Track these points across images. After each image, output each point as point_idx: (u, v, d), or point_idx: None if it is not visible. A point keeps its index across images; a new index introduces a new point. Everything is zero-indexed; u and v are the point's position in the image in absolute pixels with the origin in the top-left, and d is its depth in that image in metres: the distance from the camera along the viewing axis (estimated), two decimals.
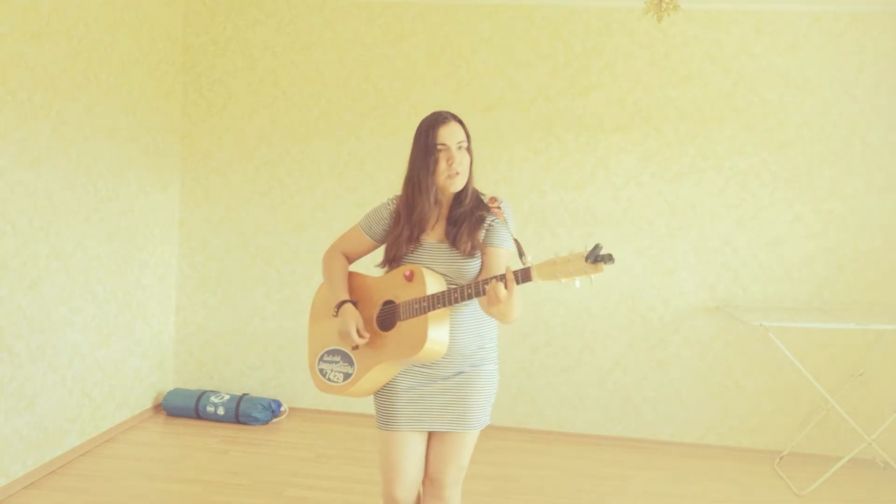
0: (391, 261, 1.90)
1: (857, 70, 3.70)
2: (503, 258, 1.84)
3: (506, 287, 1.62)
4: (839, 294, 3.73)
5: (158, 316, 4.01)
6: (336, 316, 1.90)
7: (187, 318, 4.18)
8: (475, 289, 1.68)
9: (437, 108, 3.93)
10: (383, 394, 1.92)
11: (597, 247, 1.50)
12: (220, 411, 3.87)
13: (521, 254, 1.70)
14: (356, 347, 1.88)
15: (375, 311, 1.90)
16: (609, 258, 1.51)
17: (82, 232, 3.26)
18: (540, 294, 3.92)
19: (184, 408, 3.91)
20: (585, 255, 1.52)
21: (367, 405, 3.81)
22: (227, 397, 3.91)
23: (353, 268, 2.06)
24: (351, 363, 1.90)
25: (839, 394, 3.60)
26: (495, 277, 1.65)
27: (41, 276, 3.00)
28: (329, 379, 1.93)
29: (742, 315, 3.44)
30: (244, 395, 3.97)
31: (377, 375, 1.86)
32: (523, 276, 1.62)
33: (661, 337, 3.87)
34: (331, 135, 4.04)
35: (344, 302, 1.90)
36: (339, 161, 4.04)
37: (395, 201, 1.95)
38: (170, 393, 3.98)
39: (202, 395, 3.92)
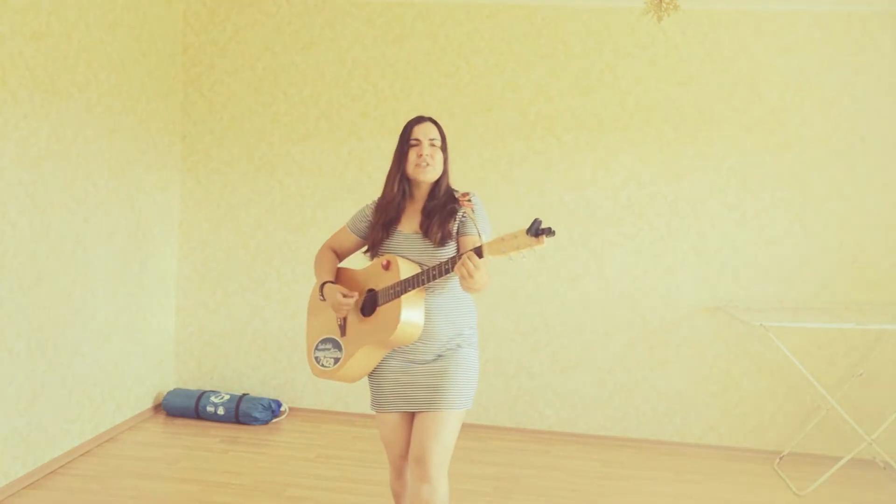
0: (372, 247, 2.13)
1: (857, 70, 3.70)
2: (474, 245, 1.97)
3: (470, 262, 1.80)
4: (839, 294, 3.73)
5: (158, 316, 4.01)
6: (323, 300, 2.13)
7: (187, 318, 4.18)
8: (440, 270, 1.87)
9: (438, 108, 3.96)
10: (373, 378, 2.12)
11: (536, 220, 1.67)
12: (220, 411, 3.87)
13: (479, 234, 1.94)
14: (344, 332, 2.10)
15: (360, 300, 2.10)
16: (549, 231, 1.67)
17: (82, 232, 3.26)
18: (540, 294, 3.92)
19: (184, 408, 3.91)
20: (526, 229, 1.68)
21: (366, 405, 3.81)
22: (227, 397, 3.91)
23: (344, 264, 2.29)
24: (339, 348, 2.10)
25: (839, 394, 3.60)
26: (455, 257, 1.85)
27: (41, 276, 3.00)
28: (322, 365, 2.13)
29: (742, 315, 3.44)
30: (244, 395, 3.97)
31: (362, 358, 2.04)
32: (476, 252, 1.80)
33: (661, 337, 3.87)
34: (331, 135, 4.04)
35: (325, 283, 2.13)
36: (339, 161, 4.04)
37: (376, 200, 2.19)
38: (170, 393, 3.98)
39: (202, 395, 3.92)
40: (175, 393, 3.98)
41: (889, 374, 3.70)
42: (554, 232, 1.68)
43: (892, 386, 3.69)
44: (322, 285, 2.14)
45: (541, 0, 3.86)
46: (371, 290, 2.08)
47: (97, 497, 2.88)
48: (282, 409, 4.03)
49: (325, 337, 2.16)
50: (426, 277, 1.91)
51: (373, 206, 2.19)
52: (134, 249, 3.71)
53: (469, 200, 2.05)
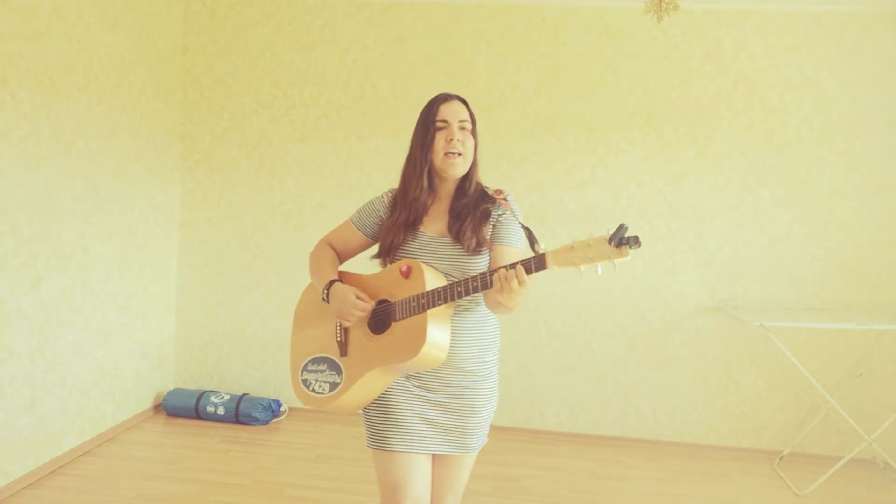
0: (387, 251, 1.73)
1: (857, 70, 3.70)
2: (514, 258, 1.66)
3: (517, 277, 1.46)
4: (839, 294, 3.72)
5: (158, 316, 4.01)
6: (327, 301, 1.72)
7: (187, 318, 4.18)
8: (481, 281, 1.51)
9: None
10: (378, 410, 1.70)
11: (621, 227, 1.33)
12: (220, 411, 3.87)
13: (532, 241, 1.52)
14: (345, 351, 1.72)
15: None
16: (635, 241, 1.33)
17: (82, 232, 3.26)
18: (539, 293, 3.92)
19: (184, 408, 3.91)
20: (608, 237, 1.35)
21: None
22: (227, 397, 3.91)
23: (345, 267, 1.90)
24: (338, 371, 1.69)
25: (839, 394, 3.60)
26: (504, 267, 1.48)
27: (41, 276, 3.00)
28: (314, 390, 1.72)
29: (742, 315, 3.44)
30: (244, 395, 3.97)
31: (368, 384, 1.65)
32: (537, 263, 1.45)
33: (661, 337, 3.87)
34: (331, 135, 4.04)
35: (332, 282, 1.72)
36: (339, 161, 4.04)
37: (389, 194, 1.81)
38: (170, 393, 3.98)
39: (202, 395, 3.92)
40: (175, 393, 3.98)
41: (889, 374, 3.70)
42: (640, 242, 1.34)
43: (892, 386, 3.69)
44: (329, 284, 1.72)
45: (541, 0, 3.86)
46: (383, 301, 1.69)
47: (97, 497, 2.88)
48: (282, 409, 4.03)
49: (317, 356, 1.76)
50: (464, 289, 1.53)
51: (385, 201, 1.79)
52: (134, 249, 3.71)
53: (505, 199, 1.72)
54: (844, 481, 3.37)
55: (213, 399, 3.90)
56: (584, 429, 3.94)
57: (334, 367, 1.70)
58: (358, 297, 1.65)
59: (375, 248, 1.80)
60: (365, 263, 1.86)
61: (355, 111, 4.02)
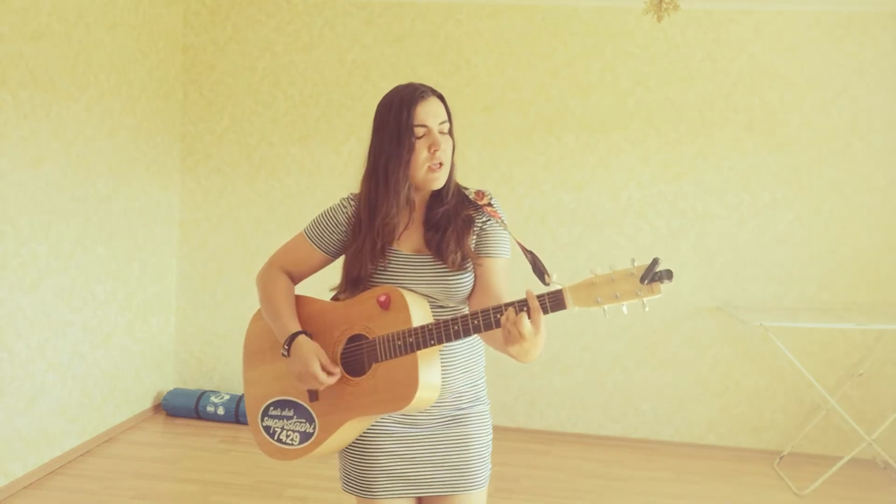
0: (354, 282, 1.43)
1: (857, 70, 3.70)
2: (503, 271, 1.48)
3: (529, 316, 1.22)
4: (839, 294, 3.72)
5: (158, 316, 4.01)
6: (287, 356, 1.42)
7: (187, 318, 4.18)
8: (483, 320, 1.26)
9: None
10: (353, 452, 1.50)
11: (654, 262, 1.15)
12: (220, 411, 3.87)
13: (541, 272, 1.31)
14: (315, 395, 1.44)
15: (339, 349, 1.43)
16: (668, 275, 1.16)
17: (82, 232, 3.26)
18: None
19: (184, 408, 3.91)
20: (640, 274, 1.17)
21: None
22: (227, 397, 3.91)
23: (302, 290, 1.58)
24: (310, 419, 1.44)
25: (839, 394, 3.60)
26: (513, 305, 1.23)
27: (41, 276, 3.00)
28: (280, 440, 1.47)
29: (742, 315, 3.44)
30: (244, 394, 3.96)
31: (347, 432, 1.44)
32: (553, 303, 1.25)
33: (661, 337, 3.87)
34: (331, 135, 4.04)
35: (296, 334, 1.43)
36: (339, 161, 4.04)
37: (353, 201, 1.50)
38: (170, 393, 3.98)
39: (202, 395, 3.92)
40: (175, 393, 3.98)
41: (889, 374, 3.69)
42: (672, 276, 1.17)
43: (892, 386, 3.69)
44: (292, 338, 1.43)
45: (541, 0, 3.86)
46: (358, 337, 1.42)
47: (97, 497, 2.88)
48: None
49: (280, 398, 1.50)
50: (461, 328, 1.28)
51: (349, 212, 1.49)
52: (134, 249, 3.71)
53: (490, 205, 1.47)
54: (844, 481, 3.36)
55: (213, 399, 3.90)
56: (584, 429, 3.94)
57: (304, 414, 1.45)
58: (324, 367, 1.37)
59: (335, 275, 1.51)
60: (324, 289, 1.56)
61: (355, 111, 4.02)
